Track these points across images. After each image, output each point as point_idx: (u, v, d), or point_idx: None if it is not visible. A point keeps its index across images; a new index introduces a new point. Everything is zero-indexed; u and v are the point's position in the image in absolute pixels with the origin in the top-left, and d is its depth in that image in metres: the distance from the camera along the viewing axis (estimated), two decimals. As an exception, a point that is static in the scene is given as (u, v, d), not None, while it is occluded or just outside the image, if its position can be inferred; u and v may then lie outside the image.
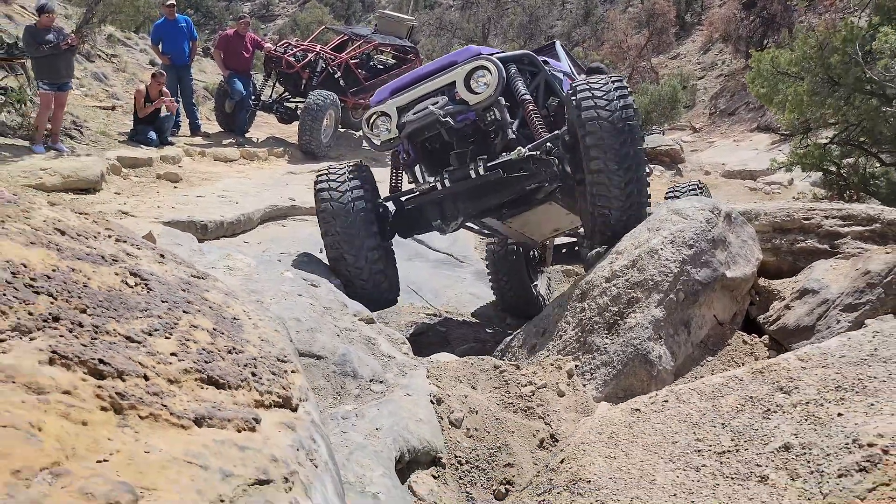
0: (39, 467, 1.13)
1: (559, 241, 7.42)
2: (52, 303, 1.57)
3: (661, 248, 4.09)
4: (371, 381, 3.66)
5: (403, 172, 5.96)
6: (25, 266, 1.64)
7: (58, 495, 1.09)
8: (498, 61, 5.03)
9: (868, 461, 1.82)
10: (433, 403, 3.53)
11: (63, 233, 2.03)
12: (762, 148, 16.78)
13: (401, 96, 5.30)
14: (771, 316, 4.44)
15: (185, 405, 1.51)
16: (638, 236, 4.27)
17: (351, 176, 5.48)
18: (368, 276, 5.41)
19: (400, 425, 3.18)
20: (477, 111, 5.07)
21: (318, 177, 5.65)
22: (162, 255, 2.25)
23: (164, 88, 10.57)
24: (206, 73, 18.56)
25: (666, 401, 2.41)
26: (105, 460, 1.24)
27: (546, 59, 6.29)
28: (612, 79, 4.97)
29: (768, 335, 4.34)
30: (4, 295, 1.49)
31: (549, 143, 5.00)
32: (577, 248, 7.14)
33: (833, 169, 10.01)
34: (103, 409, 1.36)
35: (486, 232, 6.78)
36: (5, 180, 7.33)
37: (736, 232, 4.45)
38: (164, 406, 1.45)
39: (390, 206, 5.80)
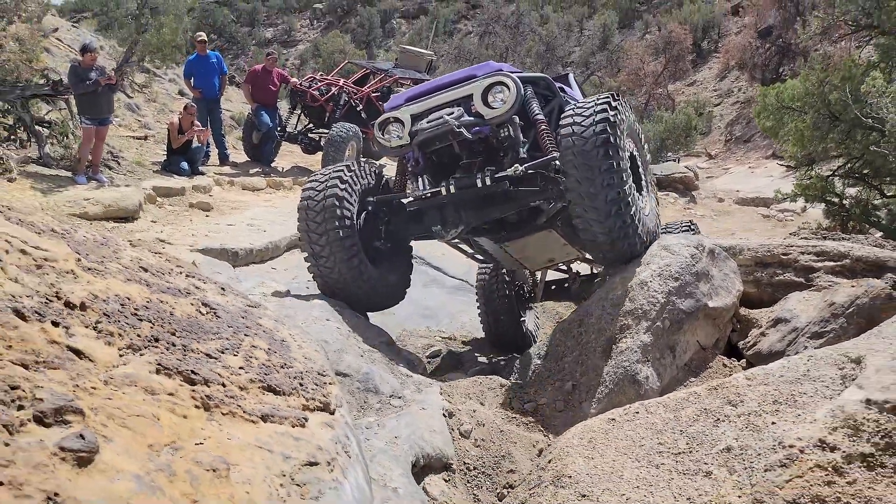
0: (164, 443, 1.62)
1: (549, 276, 7.41)
2: (151, 327, 2.07)
3: (650, 281, 4.54)
4: (391, 396, 4.14)
5: (409, 179, 5.83)
6: (129, 299, 2.15)
7: (179, 462, 1.58)
8: (517, 79, 4.98)
9: (788, 459, 2.28)
10: (445, 417, 4.01)
11: (146, 270, 2.54)
12: (777, 175, 16.75)
13: (416, 104, 5.22)
14: (749, 342, 4.88)
15: (253, 406, 2.00)
16: (630, 270, 4.72)
17: (334, 175, 5.28)
18: (340, 274, 5.15)
19: (416, 435, 3.65)
20: (491, 126, 5.03)
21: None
22: (223, 288, 2.76)
23: (196, 121, 11.18)
24: (232, 101, 19.18)
25: (637, 412, 2.87)
26: (202, 443, 1.74)
27: (562, 86, 6.26)
28: (600, 97, 4.91)
29: (746, 359, 4.78)
30: (119, 322, 1.99)
31: (556, 162, 4.89)
32: (566, 286, 7.28)
33: (836, 200, 10.35)
34: (196, 406, 1.86)
35: (479, 257, 6.73)
36: (52, 209, 7.91)
37: (719, 266, 4.90)
38: (239, 406, 1.95)
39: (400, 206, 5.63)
